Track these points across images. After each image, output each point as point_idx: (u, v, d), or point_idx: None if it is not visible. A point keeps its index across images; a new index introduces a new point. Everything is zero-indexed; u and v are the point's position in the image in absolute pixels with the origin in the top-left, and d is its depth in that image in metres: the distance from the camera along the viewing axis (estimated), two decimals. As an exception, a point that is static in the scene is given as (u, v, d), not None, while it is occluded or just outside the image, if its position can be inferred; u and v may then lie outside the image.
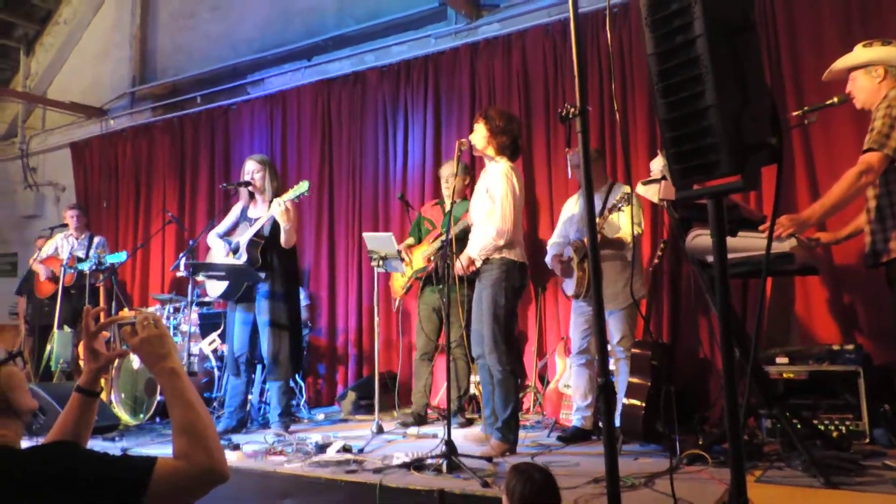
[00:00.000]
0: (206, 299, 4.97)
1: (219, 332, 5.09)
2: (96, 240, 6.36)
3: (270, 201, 4.39)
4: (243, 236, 4.41)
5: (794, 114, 3.22)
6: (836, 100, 3.05)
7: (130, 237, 7.38)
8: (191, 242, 4.65)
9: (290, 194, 4.28)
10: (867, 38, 3.93)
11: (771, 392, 3.18)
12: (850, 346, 3.62)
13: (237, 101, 6.90)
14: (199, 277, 4.38)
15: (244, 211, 4.59)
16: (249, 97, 6.84)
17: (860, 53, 3.01)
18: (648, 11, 1.88)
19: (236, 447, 3.60)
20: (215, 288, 4.50)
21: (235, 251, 4.39)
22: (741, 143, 1.78)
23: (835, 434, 3.33)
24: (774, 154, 1.84)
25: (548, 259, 4.15)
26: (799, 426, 3.19)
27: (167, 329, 1.50)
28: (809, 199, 4.10)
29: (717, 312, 1.96)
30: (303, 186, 4.27)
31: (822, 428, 3.33)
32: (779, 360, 3.62)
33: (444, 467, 2.99)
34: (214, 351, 4.99)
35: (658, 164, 3.23)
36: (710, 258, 3.09)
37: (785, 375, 3.57)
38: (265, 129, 6.64)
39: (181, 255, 4.37)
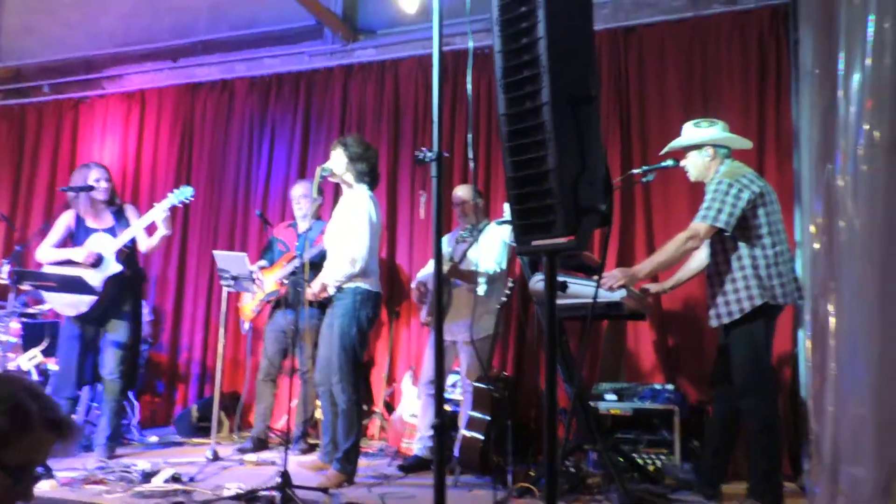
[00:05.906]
0: (30, 311, 4.53)
1: (42, 346, 4.62)
2: None
3: (116, 213, 4.20)
4: (106, 247, 4.06)
5: (636, 171, 3.51)
6: (670, 162, 3.39)
7: (-51, 231, 6.60)
8: (17, 248, 4.21)
9: (174, 199, 4.11)
10: (705, 106, 4.41)
11: (599, 427, 3.42)
12: (670, 386, 3.97)
13: (90, 94, 6.43)
14: (24, 286, 4.00)
15: (82, 222, 4.19)
16: (105, 92, 6.40)
17: (692, 133, 3.33)
18: (502, 73, 1.99)
19: (50, 474, 3.29)
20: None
21: (97, 264, 4.03)
22: (577, 206, 1.91)
23: (651, 468, 3.62)
24: (605, 218, 1.99)
25: (413, 284, 4.23)
26: (621, 460, 3.45)
27: None
28: (646, 247, 4.47)
29: (545, 355, 2.08)
30: (186, 191, 4.15)
31: (641, 462, 3.62)
32: (608, 396, 3.89)
33: (278, 500, 2.93)
34: (38, 366, 4.55)
35: (510, 208, 3.39)
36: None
37: (612, 412, 3.84)
38: (120, 129, 6.23)
39: (6, 260, 3.95)
